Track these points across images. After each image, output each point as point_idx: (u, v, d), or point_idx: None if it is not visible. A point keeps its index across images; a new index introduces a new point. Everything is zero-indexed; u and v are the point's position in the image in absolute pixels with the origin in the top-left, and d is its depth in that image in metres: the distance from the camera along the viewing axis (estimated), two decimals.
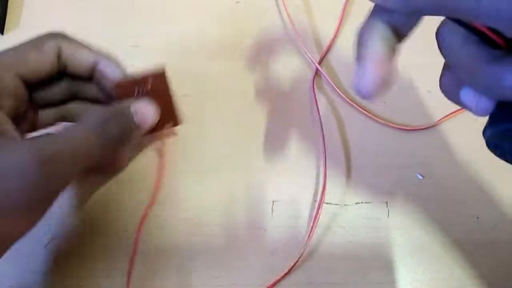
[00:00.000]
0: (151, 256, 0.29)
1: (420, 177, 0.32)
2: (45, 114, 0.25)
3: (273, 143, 0.33)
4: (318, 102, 0.34)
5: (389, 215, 0.31)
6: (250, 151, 0.32)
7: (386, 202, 0.31)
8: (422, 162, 0.32)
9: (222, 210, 0.31)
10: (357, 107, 0.34)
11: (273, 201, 0.31)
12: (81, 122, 0.21)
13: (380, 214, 0.31)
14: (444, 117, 0.33)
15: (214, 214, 0.30)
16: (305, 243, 0.29)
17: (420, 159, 0.32)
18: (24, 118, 0.24)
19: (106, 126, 0.21)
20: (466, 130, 0.32)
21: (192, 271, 0.29)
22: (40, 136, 0.20)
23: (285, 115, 0.34)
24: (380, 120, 0.33)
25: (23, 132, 0.24)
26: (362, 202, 0.31)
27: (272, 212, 0.31)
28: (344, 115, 0.34)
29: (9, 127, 0.20)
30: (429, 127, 0.33)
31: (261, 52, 0.36)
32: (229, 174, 0.32)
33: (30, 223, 0.19)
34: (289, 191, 0.31)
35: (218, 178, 0.32)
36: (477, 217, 0.31)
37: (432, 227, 0.30)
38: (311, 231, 0.30)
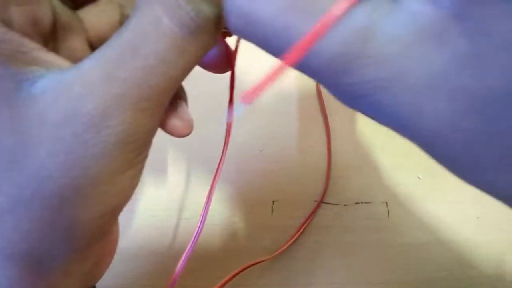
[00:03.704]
0: (150, 256, 0.29)
1: (420, 177, 0.32)
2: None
3: (274, 143, 0.33)
4: (322, 103, 0.34)
5: (389, 215, 0.31)
6: (251, 151, 0.32)
7: (386, 202, 0.31)
8: (422, 162, 0.32)
9: (222, 210, 0.31)
10: None
11: (273, 201, 0.31)
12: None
13: (380, 214, 0.31)
14: None
15: (214, 214, 0.30)
16: (294, 239, 0.29)
17: (420, 159, 0.32)
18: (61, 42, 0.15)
19: None
20: None
21: (192, 271, 0.29)
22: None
23: (286, 115, 0.34)
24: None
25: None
26: (362, 202, 0.31)
27: (272, 212, 0.31)
28: (344, 115, 0.34)
29: (36, 51, 0.13)
30: None
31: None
32: (229, 174, 0.32)
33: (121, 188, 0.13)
34: (289, 191, 0.31)
35: (218, 178, 0.31)
36: (477, 217, 0.31)
37: (432, 227, 0.30)
38: (301, 227, 0.30)
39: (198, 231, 0.16)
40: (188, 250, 0.15)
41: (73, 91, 0.12)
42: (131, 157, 0.13)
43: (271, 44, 0.11)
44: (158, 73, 0.12)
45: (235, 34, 0.12)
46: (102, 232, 0.14)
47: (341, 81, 0.10)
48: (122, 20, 0.16)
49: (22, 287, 0.13)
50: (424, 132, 0.10)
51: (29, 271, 0.13)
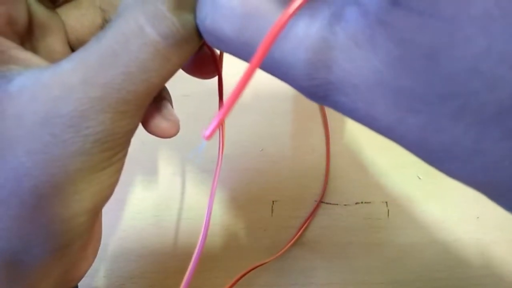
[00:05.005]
0: (152, 256, 0.29)
1: (420, 177, 0.32)
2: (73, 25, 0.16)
3: (274, 143, 0.33)
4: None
5: (389, 215, 0.31)
6: (251, 151, 0.32)
7: (386, 202, 0.31)
8: (422, 162, 0.32)
9: (222, 210, 0.31)
10: None
11: (273, 201, 0.31)
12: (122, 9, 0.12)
13: (380, 214, 0.31)
14: None
15: (214, 214, 0.30)
16: (294, 239, 0.29)
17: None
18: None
19: None
20: None
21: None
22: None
23: (286, 115, 0.34)
24: None
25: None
26: (362, 202, 0.31)
27: (272, 212, 0.31)
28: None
29: (13, 50, 0.13)
30: None
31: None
32: (229, 174, 0.32)
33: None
34: (289, 191, 0.31)
35: (218, 177, 0.31)
36: (477, 217, 0.31)
37: (432, 227, 0.30)
38: (301, 227, 0.30)
39: (203, 236, 0.16)
40: (195, 257, 0.15)
41: (51, 92, 0.12)
42: (109, 156, 0.13)
43: (242, 56, 0.12)
44: (138, 80, 0.12)
45: (214, 47, 0.13)
46: (82, 231, 0.14)
47: (300, 85, 0.12)
48: (104, 24, 0.17)
49: None
50: (381, 128, 0.11)
51: (7, 271, 0.13)
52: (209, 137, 0.11)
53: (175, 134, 0.16)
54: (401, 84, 0.10)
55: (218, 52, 0.17)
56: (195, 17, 0.12)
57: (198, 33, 0.12)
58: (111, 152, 0.13)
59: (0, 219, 0.12)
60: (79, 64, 0.12)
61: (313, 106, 0.34)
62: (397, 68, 0.10)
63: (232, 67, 0.18)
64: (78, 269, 0.16)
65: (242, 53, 0.12)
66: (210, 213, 0.16)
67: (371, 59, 0.10)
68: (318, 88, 0.11)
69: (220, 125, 0.11)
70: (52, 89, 0.12)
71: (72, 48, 0.17)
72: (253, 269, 0.27)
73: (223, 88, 0.17)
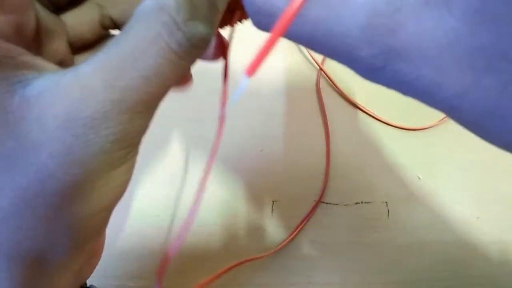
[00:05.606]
0: (153, 256, 0.29)
1: (420, 177, 0.32)
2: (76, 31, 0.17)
3: (274, 143, 0.33)
4: (321, 103, 0.34)
5: (389, 215, 0.31)
6: (251, 151, 0.32)
7: (386, 202, 0.31)
8: (422, 162, 0.32)
9: (222, 210, 0.31)
10: (358, 107, 0.34)
11: (273, 201, 0.31)
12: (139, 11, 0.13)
13: (380, 214, 0.31)
14: (444, 117, 0.33)
15: (214, 214, 0.30)
16: (291, 237, 0.29)
17: (420, 159, 0.32)
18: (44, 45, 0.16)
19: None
20: (466, 130, 0.32)
21: (192, 271, 0.29)
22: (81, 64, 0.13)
23: (286, 115, 0.34)
24: (380, 120, 0.33)
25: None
26: (362, 202, 0.31)
27: (272, 212, 0.31)
28: (344, 115, 0.34)
29: (24, 56, 0.13)
30: (429, 127, 0.33)
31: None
32: (229, 174, 0.32)
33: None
34: (289, 191, 0.31)
35: (219, 178, 0.32)
36: (477, 217, 0.31)
37: (432, 227, 0.30)
38: (299, 226, 0.30)
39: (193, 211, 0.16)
40: (183, 231, 0.16)
41: (72, 95, 0.12)
42: (125, 154, 0.14)
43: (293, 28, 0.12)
44: (154, 82, 0.13)
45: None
46: (100, 228, 0.15)
47: (356, 56, 0.11)
48: (102, 20, 0.17)
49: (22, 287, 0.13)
50: (448, 96, 0.10)
51: (31, 270, 0.13)
52: (251, 73, 0.11)
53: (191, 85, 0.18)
54: (480, 41, 0.09)
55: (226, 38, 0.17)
56: (206, 28, 0.13)
57: (207, 39, 0.14)
58: (126, 151, 0.14)
59: (26, 219, 0.13)
60: (100, 68, 0.13)
61: (313, 106, 0.34)
62: (477, 23, 0.09)
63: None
64: (90, 265, 0.17)
65: (293, 26, 0.12)
66: (204, 187, 0.17)
67: (445, 17, 0.09)
68: (377, 58, 0.10)
69: (260, 63, 0.11)
70: (74, 92, 0.12)
71: (71, 46, 0.17)
72: (242, 262, 0.27)
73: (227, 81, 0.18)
